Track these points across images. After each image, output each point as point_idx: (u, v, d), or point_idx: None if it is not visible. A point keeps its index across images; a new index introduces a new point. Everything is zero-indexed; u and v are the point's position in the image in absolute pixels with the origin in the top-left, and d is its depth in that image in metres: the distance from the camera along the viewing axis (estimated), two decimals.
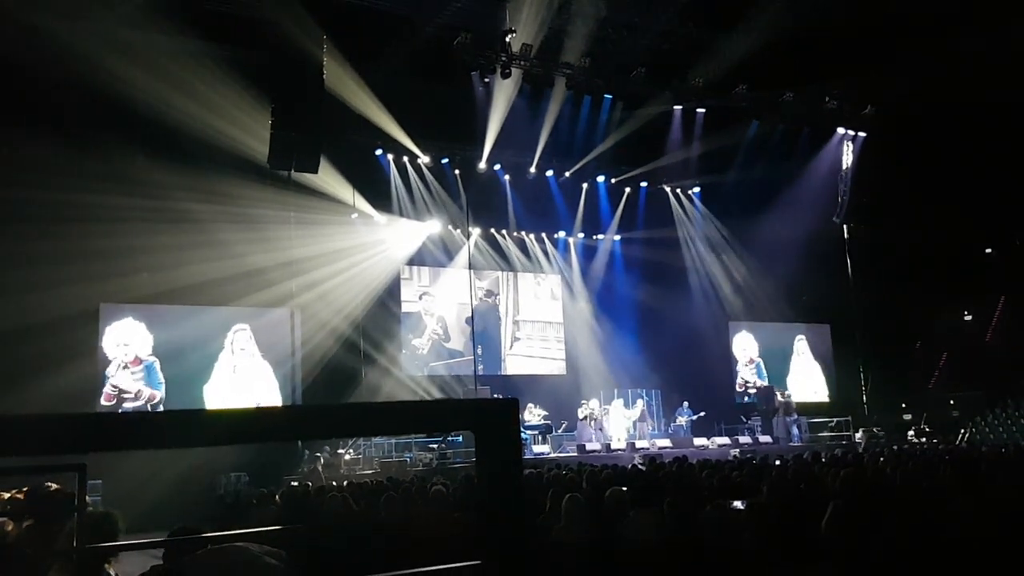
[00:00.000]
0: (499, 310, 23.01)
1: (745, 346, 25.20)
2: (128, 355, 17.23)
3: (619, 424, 19.65)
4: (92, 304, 16.19)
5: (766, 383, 23.85)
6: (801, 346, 25.82)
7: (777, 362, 25.31)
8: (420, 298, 21.78)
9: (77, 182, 14.26)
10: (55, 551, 3.17)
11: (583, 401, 20.22)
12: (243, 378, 18.13)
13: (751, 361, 25.11)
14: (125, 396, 17.06)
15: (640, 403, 20.24)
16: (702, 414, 20.81)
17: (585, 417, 19.60)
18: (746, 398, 24.13)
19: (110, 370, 17.02)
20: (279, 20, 14.35)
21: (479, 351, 20.85)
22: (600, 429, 19.41)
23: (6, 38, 13.29)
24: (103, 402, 16.72)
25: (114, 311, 17.10)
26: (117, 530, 3.42)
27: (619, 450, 17.96)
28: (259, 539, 2.12)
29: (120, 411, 16.76)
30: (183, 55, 15.75)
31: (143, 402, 17.11)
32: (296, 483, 13.23)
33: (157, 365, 17.44)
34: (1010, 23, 17.89)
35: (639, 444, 18.53)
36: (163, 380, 17.41)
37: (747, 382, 24.69)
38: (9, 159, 14.03)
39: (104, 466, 11.15)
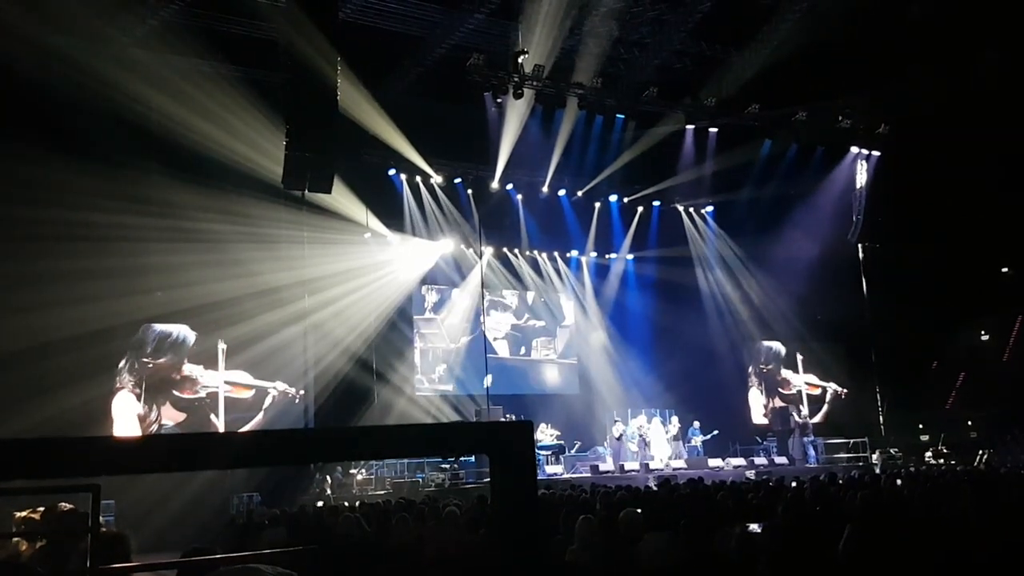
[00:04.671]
0: (511, 329, 22.97)
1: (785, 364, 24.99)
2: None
3: (661, 443, 19.58)
4: (106, 323, 16.26)
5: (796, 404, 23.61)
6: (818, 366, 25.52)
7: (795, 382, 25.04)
8: (432, 317, 21.79)
9: (92, 201, 14.40)
10: (68, 571, 3.16)
11: (617, 419, 20.10)
12: None
13: (789, 381, 24.82)
14: None
15: (675, 419, 20.21)
16: (715, 433, 20.65)
17: (620, 436, 19.48)
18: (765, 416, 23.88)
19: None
20: (293, 42, 14.45)
21: (489, 373, 20.80)
22: (645, 446, 19.33)
23: (27, 61, 13.48)
24: None
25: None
26: (129, 551, 3.42)
27: (633, 471, 17.85)
28: (271, 560, 2.10)
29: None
30: (198, 76, 15.93)
31: None
32: (308, 504, 13.21)
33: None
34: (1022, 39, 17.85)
35: (653, 465, 18.42)
36: None
37: (787, 402, 24.28)
38: (25, 179, 14.17)
39: (117, 486, 11.16)
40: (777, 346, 24.87)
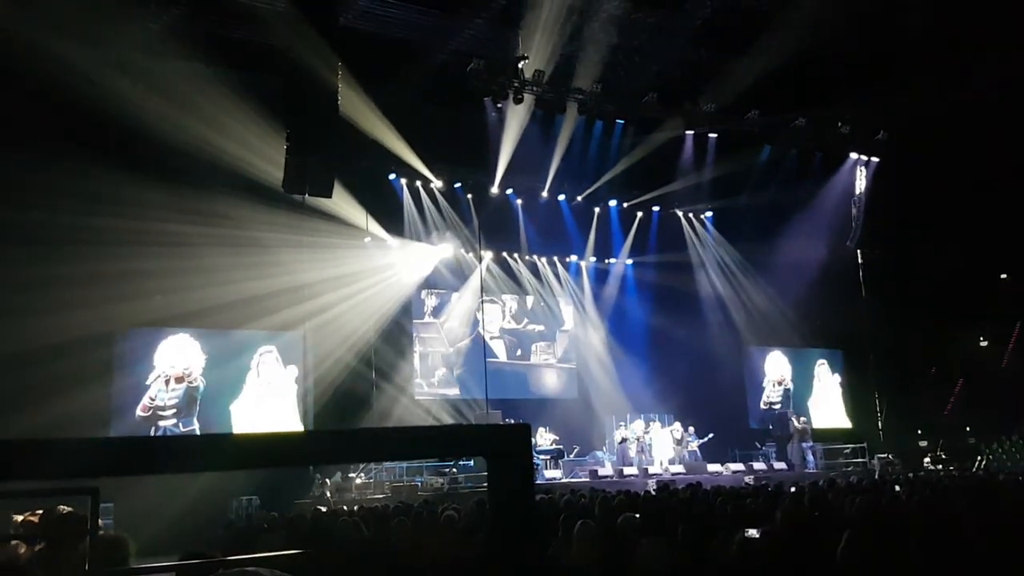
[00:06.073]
0: (510, 332, 22.98)
1: (777, 368, 25.02)
2: (174, 371, 17.46)
3: (664, 447, 19.53)
4: (105, 328, 16.27)
5: (788, 408, 23.61)
6: (823, 371, 25.58)
7: (794, 387, 25.09)
8: (431, 321, 21.80)
9: (91, 206, 14.39)
10: (67, 575, 3.17)
11: (620, 423, 20.09)
12: (271, 400, 18.27)
13: (780, 383, 24.82)
14: (160, 413, 17.25)
15: (679, 424, 20.17)
16: (710, 436, 20.60)
17: (624, 440, 19.45)
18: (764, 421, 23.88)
19: (151, 380, 17.27)
20: (294, 46, 14.50)
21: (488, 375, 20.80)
22: (643, 451, 19.29)
23: (24, 63, 13.49)
24: (139, 412, 16.98)
25: (162, 332, 17.40)
26: (128, 555, 3.43)
27: (632, 476, 17.83)
28: (270, 564, 2.11)
29: (155, 428, 17.02)
30: (199, 81, 15.94)
31: (175, 421, 17.31)
32: (307, 507, 13.20)
33: (201, 388, 17.67)
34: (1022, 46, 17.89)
35: (652, 470, 18.39)
36: (199, 403, 17.66)
37: (772, 403, 24.32)
38: (23, 182, 14.18)
39: (116, 490, 11.15)
40: (777, 354, 24.95)
